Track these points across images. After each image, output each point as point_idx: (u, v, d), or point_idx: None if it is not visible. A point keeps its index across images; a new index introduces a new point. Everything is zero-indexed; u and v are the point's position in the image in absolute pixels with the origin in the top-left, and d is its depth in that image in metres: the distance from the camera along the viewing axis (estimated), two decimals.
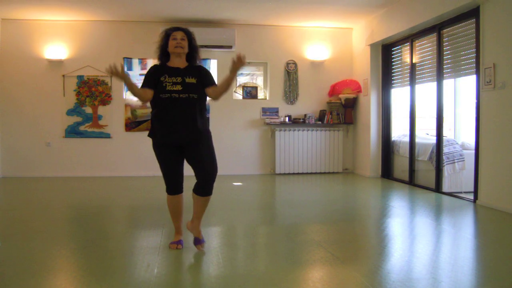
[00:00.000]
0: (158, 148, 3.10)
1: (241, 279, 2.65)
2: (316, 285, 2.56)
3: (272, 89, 7.65)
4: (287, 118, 7.50)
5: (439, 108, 5.70)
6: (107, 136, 7.28)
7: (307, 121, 7.54)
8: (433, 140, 5.91)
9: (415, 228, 4.07)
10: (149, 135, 3.14)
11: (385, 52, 7.05)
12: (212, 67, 7.36)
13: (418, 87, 6.36)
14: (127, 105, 7.28)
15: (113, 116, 7.27)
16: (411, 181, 6.36)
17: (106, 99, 7.24)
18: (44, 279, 2.64)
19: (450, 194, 5.54)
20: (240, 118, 7.52)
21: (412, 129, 6.38)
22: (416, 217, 4.53)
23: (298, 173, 7.57)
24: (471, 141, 5.78)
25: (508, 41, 4.42)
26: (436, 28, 5.67)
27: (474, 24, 4.95)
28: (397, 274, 2.71)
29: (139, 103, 7.26)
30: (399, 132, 7.07)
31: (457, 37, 5.37)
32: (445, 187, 5.68)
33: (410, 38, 6.33)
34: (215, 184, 3.12)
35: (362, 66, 7.42)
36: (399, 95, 7.06)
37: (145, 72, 7.17)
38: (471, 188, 5.17)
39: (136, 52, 7.22)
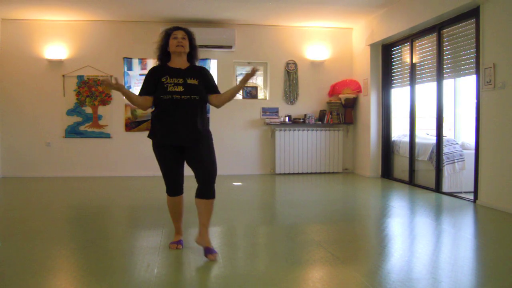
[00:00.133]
0: (158, 149, 3.08)
1: (241, 279, 2.65)
2: (316, 285, 2.56)
3: (272, 89, 7.65)
4: (287, 118, 7.50)
5: (439, 108, 5.70)
6: (107, 136, 7.28)
7: (307, 121, 7.54)
8: (433, 140, 5.91)
9: (415, 228, 4.07)
10: (149, 136, 3.12)
11: (385, 52, 7.05)
12: (212, 67, 7.36)
13: (418, 87, 6.36)
14: (127, 105, 7.28)
15: (113, 116, 7.28)
16: (411, 181, 6.36)
17: (106, 99, 7.24)
18: (44, 279, 2.64)
19: (450, 194, 5.54)
20: (240, 118, 7.52)
21: (412, 129, 6.38)
22: (416, 217, 4.53)
23: (298, 173, 7.57)
24: (471, 141, 5.78)
25: (508, 41, 4.42)
26: (436, 28, 5.67)
27: (474, 24, 4.95)
28: (397, 274, 2.71)
29: None
30: (399, 132, 7.07)
31: (457, 37, 5.37)
32: (445, 187, 5.68)
33: (410, 38, 6.33)
34: (216, 185, 3.11)
35: (362, 66, 7.42)
36: (399, 95, 7.06)
37: (145, 72, 7.21)
38: (471, 188, 5.17)
39: (136, 52, 7.22)
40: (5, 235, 3.61)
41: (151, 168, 7.08)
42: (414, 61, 6.34)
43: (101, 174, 7.24)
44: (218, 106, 3.19)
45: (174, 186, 3.15)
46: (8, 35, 7.02)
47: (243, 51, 7.45)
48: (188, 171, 3.16)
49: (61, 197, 5.63)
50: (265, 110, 7.60)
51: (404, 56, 6.63)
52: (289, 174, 7.55)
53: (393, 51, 6.95)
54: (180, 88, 2.97)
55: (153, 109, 3.12)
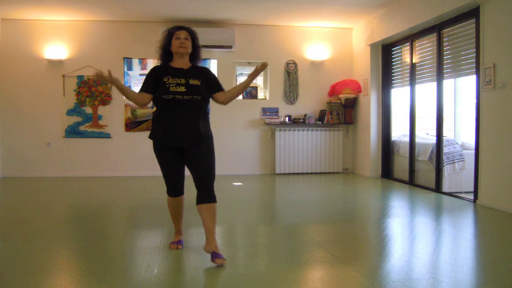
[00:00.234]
0: (159, 150, 3.05)
1: (241, 279, 2.65)
2: (316, 285, 2.56)
3: (272, 89, 7.65)
4: (287, 118, 7.49)
5: (439, 108, 5.70)
6: (107, 136, 7.28)
7: (307, 121, 7.54)
8: (433, 140, 5.91)
9: (415, 228, 4.07)
10: (150, 137, 3.09)
11: (385, 52, 7.05)
12: (212, 67, 7.36)
13: (418, 87, 6.35)
14: (127, 105, 7.28)
15: (113, 116, 7.27)
16: (411, 181, 6.35)
17: (106, 99, 7.24)
18: (44, 279, 2.64)
19: (450, 194, 5.54)
20: (240, 118, 7.52)
21: (412, 129, 6.38)
22: (416, 217, 4.53)
23: (298, 173, 7.57)
24: (471, 141, 5.78)
25: (508, 41, 4.42)
26: (436, 28, 5.67)
27: (474, 24, 4.95)
28: (397, 274, 2.71)
29: None
30: (399, 132, 7.07)
31: (457, 37, 5.37)
32: (445, 187, 5.68)
33: (410, 38, 6.32)
34: (215, 185, 3.10)
35: (362, 66, 7.42)
36: (399, 95, 7.06)
37: (145, 72, 7.22)
38: (471, 188, 5.17)
39: (136, 52, 7.22)
40: (5, 235, 3.61)
41: (151, 168, 7.07)
42: (414, 61, 6.34)
43: (101, 174, 7.24)
44: (225, 103, 3.13)
45: (174, 187, 3.13)
46: (8, 35, 7.02)
47: (243, 51, 7.45)
48: (188, 171, 3.16)
49: (61, 197, 5.63)
50: (265, 110, 7.60)
51: (404, 56, 6.63)
52: (289, 174, 7.55)
53: (393, 51, 6.95)
54: (182, 89, 2.93)
55: (153, 108, 3.10)
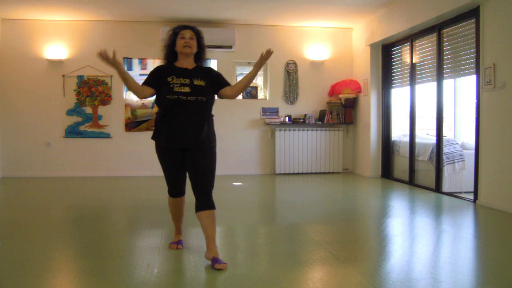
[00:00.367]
0: (161, 151, 3.00)
1: (241, 279, 2.65)
2: (316, 285, 2.56)
3: (272, 89, 7.65)
4: (287, 118, 7.49)
5: (439, 108, 5.70)
6: (107, 136, 7.28)
7: (307, 121, 7.54)
8: (433, 140, 5.91)
9: (415, 228, 4.07)
10: (152, 138, 3.03)
11: (385, 52, 7.05)
12: (212, 67, 7.35)
13: (418, 87, 6.35)
14: (127, 105, 7.28)
15: (113, 116, 7.27)
16: (411, 181, 6.35)
17: (106, 99, 7.24)
18: (44, 279, 2.64)
19: (450, 194, 5.54)
20: (240, 118, 7.52)
21: (412, 129, 6.38)
22: (416, 217, 4.53)
23: (298, 173, 7.57)
24: (471, 141, 5.78)
25: (508, 41, 4.42)
26: (436, 28, 5.67)
27: (474, 24, 4.95)
28: (397, 274, 2.71)
29: (139, 103, 7.27)
30: (399, 132, 7.07)
31: (457, 37, 5.37)
32: (445, 187, 5.68)
33: (410, 38, 6.32)
34: (216, 185, 3.09)
35: (362, 66, 7.42)
36: (399, 95, 7.06)
37: (145, 72, 7.22)
38: (471, 188, 5.17)
39: (136, 52, 7.22)
40: (5, 235, 3.60)
41: (151, 168, 7.09)
42: (414, 61, 6.34)
43: (101, 174, 7.24)
44: (232, 97, 3.07)
45: (176, 188, 3.10)
46: (8, 35, 7.02)
47: (243, 51, 7.44)
48: None
49: (61, 197, 5.63)
50: (265, 110, 7.60)
51: (404, 56, 6.63)
52: (289, 174, 7.55)
53: (393, 51, 6.95)
54: (187, 89, 2.88)
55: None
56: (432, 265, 2.92)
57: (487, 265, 2.97)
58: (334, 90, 7.60)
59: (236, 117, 7.48)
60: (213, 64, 7.38)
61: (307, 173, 7.59)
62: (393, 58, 6.99)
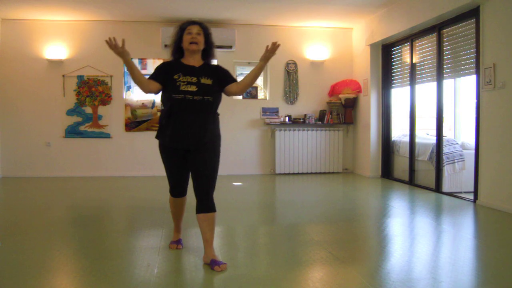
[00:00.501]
0: (165, 151, 2.94)
1: (241, 279, 2.65)
2: (316, 285, 2.56)
3: (272, 89, 7.65)
4: (287, 118, 7.49)
5: (439, 108, 5.70)
6: (107, 136, 7.28)
7: (307, 121, 7.54)
8: (433, 140, 5.91)
9: (415, 228, 4.07)
10: (156, 137, 2.97)
11: (385, 52, 7.05)
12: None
13: (418, 87, 6.35)
14: (127, 105, 7.28)
15: (113, 116, 7.27)
16: (411, 181, 6.35)
17: (106, 99, 7.24)
18: (44, 279, 2.64)
19: (450, 194, 5.54)
20: (240, 118, 7.52)
21: (412, 129, 6.38)
22: (416, 217, 4.53)
23: (298, 173, 7.57)
24: (471, 141, 5.78)
25: (508, 41, 4.42)
26: (436, 28, 5.67)
27: (474, 24, 4.95)
28: (397, 274, 2.71)
29: (139, 103, 7.27)
30: (399, 132, 7.07)
31: (457, 37, 5.37)
32: (445, 187, 5.68)
33: (410, 38, 6.32)
34: (216, 185, 3.07)
35: (362, 66, 7.42)
36: (399, 95, 7.06)
37: (145, 72, 7.22)
38: (471, 188, 5.17)
39: (136, 52, 7.21)
40: (5, 235, 3.60)
41: (151, 168, 7.10)
42: (414, 61, 6.34)
43: (101, 174, 7.24)
44: (238, 93, 3.01)
45: (177, 188, 3.07)
46: (8, 35, 7.02)
47: (243, 51, 7.44)
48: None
49: (61, 197, 5.63)
50: (265, 110, 7.60)
51: (404, 56, 6.63)
52: (289, 174, 7.54)
53: (393, 51, 6.95)
54: (193, 88, 2.80)
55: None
56: (432, 265, 2.92)
57: (487, 265, 2.97)
58: (334, 90, 7.60)
59: (236, 117, 7.48)
60: (213, 64, 7.37)
61: (307, 173, 7.59)
62: (393, 58, 6.99)
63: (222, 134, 3.07)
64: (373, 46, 7.11)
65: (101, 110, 7.25)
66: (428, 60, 6.01)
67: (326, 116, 7.62)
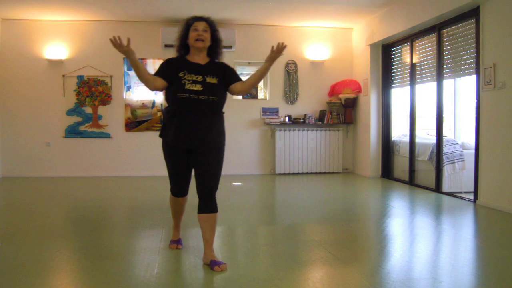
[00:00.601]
0: (168, 150, 2.90)
1: (241, 279, 2.65)
2: (316, 285, 2.56)
3: (272, 89, 7.65)
4: (287, 118, 7.49)
5: (439, 108, 5.70)
6: (107, 136, 7.28)
7: (307, 121, 7.54)
8: (433, 140, 5.91)
9: (415, 228, 4.07)
10: (160, 135, 2.94)
11: (385, 52, 7.05)
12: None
13: (418, 87, 6.35)
14: (127, 105, 7.28)
15: (113, 116, 7.27)
16: (411, 181, 6.35)
17: (106, 99, 7.24)
18: (44, 279, 2.64)
19: (450, 194, 5.54)
20: (240, 118, 7.52)
21: (412, 129, 6.38)
22: (416, 217, 4.53)
23: (298, 173, 7.57)
24: (471, 141, 5.78)
25: (508, 41, 4.42)
26: (436, 28, 5.67)
27: (474, 24, 4.95)
28: (397, 274, 2.71)
29: (139, 103, 7.27)
30: (399, 132, 7.07)
31: (457, 37, 5.37)
32: (445, 187, 5.68)
33: (410, 38, 6.32)
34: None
35: (362, 66, 7.42)
36: (399, 95, 7.06)
37: None
38: (471, 188, 5.17)
39: (136, 52, 7.19)
40: (5, 235, 3.60)
41: (151, 168, 7.10)
42: (414, 61, 6.34)
43: (101, 174, 7.24)
44: (243, 93, 2.96)
45: (179, 188, 3.04)
46: (8, 35, 7.02)
47: (243, 51, 7.44)
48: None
49: (61, 197, 5.63)
50: (265, 110, 7.60)
51: (404, 56, 6.63)
52: (289, 174, 7.54)
53: (393, 51, 6.95)
54: (199, 87, 2.74)
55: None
56: (432, 265, 2.92)
57: (487, 265, 2.97)
58: (334, 90, 7.60)
59: (236, 117, 7.47)
60: None
61: (307, 173, 7.59)
62: (393, 58, 6.99)
63: None
64: (373, 46, 7.11)
65: (101, 110, 7.25)
66: (428, 60, 6.01)
67: (326, 116, 7.62)
